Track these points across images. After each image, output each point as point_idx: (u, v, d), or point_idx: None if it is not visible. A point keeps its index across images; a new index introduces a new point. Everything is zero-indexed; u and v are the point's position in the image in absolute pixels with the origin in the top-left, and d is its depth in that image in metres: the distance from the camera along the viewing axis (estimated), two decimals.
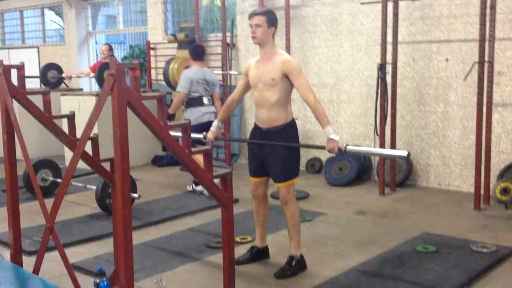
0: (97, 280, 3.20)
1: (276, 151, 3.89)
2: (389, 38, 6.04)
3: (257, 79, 3.90)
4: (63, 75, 9.46)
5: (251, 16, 3.85)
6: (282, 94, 3.85)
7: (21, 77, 3.47)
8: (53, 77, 9.44)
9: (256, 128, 4.04)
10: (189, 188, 6.51)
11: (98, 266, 3.84)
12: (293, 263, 3.94)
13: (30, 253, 4.33)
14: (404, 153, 3.55)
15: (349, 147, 3.71)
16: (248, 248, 4.30)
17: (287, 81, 3.82)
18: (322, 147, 3.84)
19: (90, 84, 10.81)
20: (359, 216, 5.42)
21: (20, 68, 3.47)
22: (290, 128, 3.94)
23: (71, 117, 3.63)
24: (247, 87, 4.08)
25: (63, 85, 9.51)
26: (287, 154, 3.89)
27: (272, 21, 3.83)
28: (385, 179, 6.28)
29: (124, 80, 2.66)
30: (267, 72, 3.82)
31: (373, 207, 5.73)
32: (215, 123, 4.19)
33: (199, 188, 6.24)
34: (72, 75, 9.71)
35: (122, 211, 2.67)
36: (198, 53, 6.39)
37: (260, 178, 4.08)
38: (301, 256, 3.99)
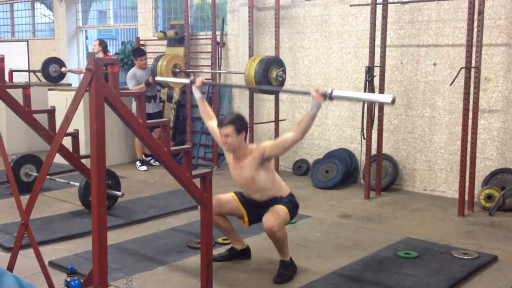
0: (68, 279, 3.15)
1: (277, 200, 3.91)
2: (378, 41, 6.02)
3: (240, 182, 3.97)
4: (62, 69, 9.39)
5: (219, 126, 3.83)
6: (269, 191, 3.91)
7: (1, 70, 3.41)
8: (54, 71, 9.38)
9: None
10: (139, 164, 7.65)
11: (77, 264, 3.80)
12: (287, 267, 3.92)
13: (9, 249, 4.27)
14: (389, 98, 3.46)
15: (335, 92, 3.54)
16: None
17: (268, 165, 3.86)
18: (307, 93, 3.73)
19: (79, 80, 10.71)
20: (343, 220, 5.39)
21: (0, 61, 3.41)
22: (291, 196, 4.00)
23: (51, 112, 3.58)
24: (217, 135, 4.03)
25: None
26: (287, 201, 3.92)
27: (240, 128, 3.79)
28: (371, 183, 6.26)
29: (102, 75, 2.61)
30: (245, 173, 3.86)
31: (357, 210, 5.71)
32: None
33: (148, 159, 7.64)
34: (72, 71, 9.68)
35: (96, 209, 2.62)
36: None
37: (241, 205, 4.02)
38: (291, 258, 3.98)
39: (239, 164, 3.89)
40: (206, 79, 8.14)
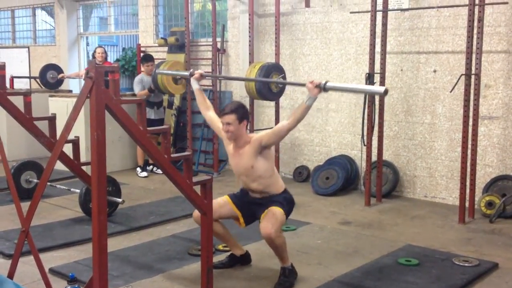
0: (68, 287, 3.15)
1: (272, 199, 3.91)
2: (378, 48, 6.04)
3: (239, 171, 3.99)
4: (59, 76, 9.42)
5: (221, 115, 3.90)
6: (267, 180, 3.91)
7: (2, 78, 3.42)
8: (52, 77, 9.41)
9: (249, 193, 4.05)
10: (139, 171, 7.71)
11: (77, 272, 3.80)
12: (287, 273, 3.91)
13: (9, 256, 4.26)
14: (381, 89, 3.55)
15: (329, 83, 3.62)
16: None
17: (266, 153, 3.88)
18: (303, 85, 3.83)
19: (80, 86, 10.73)
20: (343, 227, 5.39)
21: (1, 68, 3.42)
22: (285, 193, 4.01)
23: (51, 119, 3.58)
24: (215, 125, 4.16)
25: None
26: (282, 200, 3.93)
27: (242, 116, 3.86)
28: (372, 190, 6.26)
29: (103, 83, 2.62)
30: (244, 161, 3.89)
31: (358, 217, 5.71)
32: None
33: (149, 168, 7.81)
34: (70, 76, 9.70)
35: (97, 216, 2.62)
36: None
37: (235, 207, 4.03)
38: (292, 264, 3.97)
39: (238, 152, 3.92)
40: (205, 85, 8.19)
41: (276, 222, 3.76)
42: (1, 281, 3.06)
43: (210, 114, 4.24)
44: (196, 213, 3.80)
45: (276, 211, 3.82)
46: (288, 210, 3.95)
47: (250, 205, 4.01)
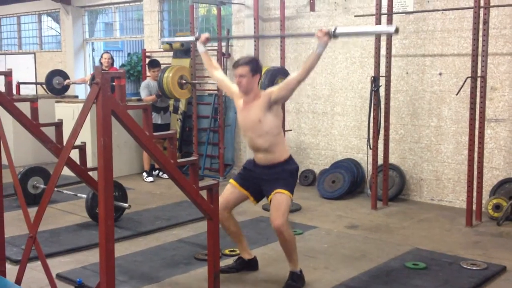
0: None
1: (275, 174, 3.88)
2: (383, 51, 6.03)
3: (246, 125, 3.96)
4: (65, 82, 9.46)
5: (235, 66, 3.90)
6: (273, 138, 3.87)
7: (9, 84, 3.44)
8: (58, 83, 9.45)
9: (254, 162, 4.03)
10: (145, 175, 7.73)
11: (85, 277, 3.80)
12: (295, 278, 3.90)
13: (17, 262, 4.27)
14: (392, 28, 3.49)
15: (338, 29, 3.57)
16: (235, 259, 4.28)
17: (275, 110, 3.86)
18: (312, 34, 3.81)
19: (85, 92, 10.77)
20: (350, 230, 5.37)
21: (8, 74, 3.44)
22: (289, 162, 3.96)
23: (58, 125, 3.60)
24: (224, 84, 4.21)
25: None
26: (285, 177, 3.89)
27: (255, 69, 3.87)
28: (378, 193, 6.24)
29: (109, 89, 2.63)
30: (252, 115, 3.87)
31: (365, 221, 5.69)
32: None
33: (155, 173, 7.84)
34: (76, 82, 9.74)
35: (104, 221, 2.63)
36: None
37: (241, 187, 4.03)
38: (301, 270, 3.95)
39: (248, 106, 3.91)
40: (210, 90, 8.21)
41: (284, 211, 3.77)
42: (8, 287, 3.07)
43: (218, 74, 4.26)
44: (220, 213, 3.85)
45: (281, 198, 3.79)
46: (292, 186, 3.92)
47: (256, 181, 3.97)
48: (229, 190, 4.07)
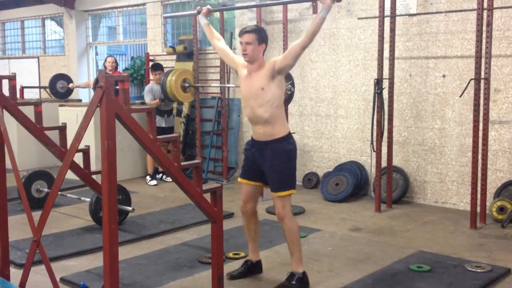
0: None
1: (272, 160, 3.86)
2: (386, 53, 6.03)
3: (248, 94, 3.90)
4: (69, 85, 9.50)
5: (241, 33, 3.87)
6: (273, 109, 3.82)
7: (12, 88, 3.45)
8: (62, 87, 9.48)
9: (252, 140, 4.03)
10: (149, 179, 7.73)
11: (89, 281, 3.80)
12: (293, 280, 3.86)
13: (21, 266, 4.27)
14: None
15: None
16: (241, 263, 4.25)
17: (279, 81, 3.82)
18: None
19: (89, 95, 10.80)
20: (354, 233, 5.36)
21: (12, 78, 3.45)
22: (287, 140, 3.91)
23: (62, 129, 3.61)
24: (227, 55, 4.16)
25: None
26: (282, 163, 3.86)
27: (262, 38, 3.85)
28: (382, 196, 6.23)
29: (113, 92, 2.63)
30: (256, 83, 3.83)
31: (368, 224, 5.68)
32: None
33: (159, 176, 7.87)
34: (79, 86, 9.77)
35: (108, 225, 2.63)
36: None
37: (250, 181, 4.05)
38: (304, 273, 3.91)
39: (251, 75, 3.88)
40: (214, 93, 8.22)
41: (287, 208, 3.86)
42: None
43: (221, 44, 4.22)
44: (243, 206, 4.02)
45: (283, 201, 3.85)
46: (292, 175, 3.93)
47: (258, 168, 3.97)
48: (243, 187, 4.13)
